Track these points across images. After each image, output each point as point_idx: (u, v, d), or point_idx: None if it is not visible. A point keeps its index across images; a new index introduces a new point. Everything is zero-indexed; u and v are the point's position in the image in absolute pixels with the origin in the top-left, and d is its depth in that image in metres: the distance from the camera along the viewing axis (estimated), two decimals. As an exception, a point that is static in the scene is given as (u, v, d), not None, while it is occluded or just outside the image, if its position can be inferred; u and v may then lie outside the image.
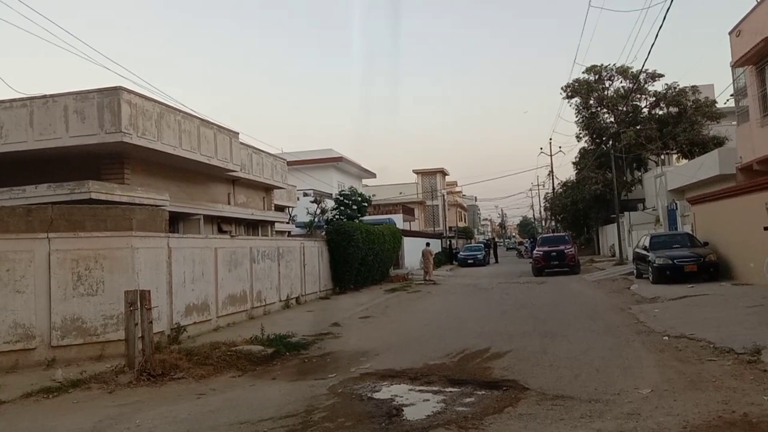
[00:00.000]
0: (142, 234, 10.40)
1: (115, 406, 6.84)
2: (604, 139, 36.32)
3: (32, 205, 10.34)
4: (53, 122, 12.88)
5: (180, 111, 14.94)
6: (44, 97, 13.09)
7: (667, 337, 9.23)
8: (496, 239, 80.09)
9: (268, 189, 22.92)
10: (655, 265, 17.61)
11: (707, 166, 21.41)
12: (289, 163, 25.71)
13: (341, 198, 26.48)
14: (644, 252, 19.15)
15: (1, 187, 12.53)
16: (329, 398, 6.71)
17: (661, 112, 35.07)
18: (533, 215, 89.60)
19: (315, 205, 25.02)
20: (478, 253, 42.90)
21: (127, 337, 8.23)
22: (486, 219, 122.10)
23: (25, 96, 13.27)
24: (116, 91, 12.66)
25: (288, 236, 23.82)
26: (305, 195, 28.55)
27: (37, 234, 9.49)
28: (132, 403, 6.93)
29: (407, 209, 47.62)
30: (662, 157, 34.30)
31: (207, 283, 12.42)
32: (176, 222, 16.06)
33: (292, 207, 27.36)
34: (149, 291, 8.50)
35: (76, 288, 9.54)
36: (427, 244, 29.69)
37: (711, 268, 16.84)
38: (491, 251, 47.21)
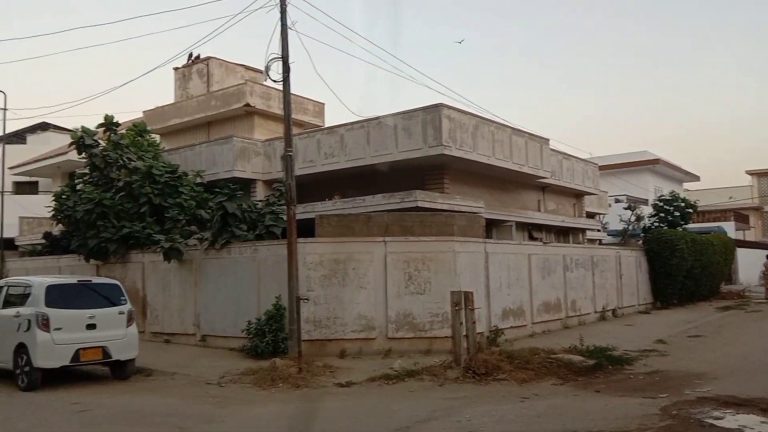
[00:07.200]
0: (462, 239, 11.04)
1: (446, 398, 7.34)
2: None
3: (371, 213, 11.79)
4: (384, 140, 14.47)
5: (493, 122, 15.45)
6: (377, 118, 14.80)
7: None
8: None
9: (578, 195, 22.27)
10: None
11: None
12: (600, 168, 24.55)
13: (660, 204, 24.28)
14: None
15: (345, 198, 14.54)
16: (663, 419, 6.18)
17: None
18: None
19: (629, 212, 23.42)
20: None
21: (454, 335, 8.77)
22: None
23: (362, 118, 15.20)
24: (437, 108, 13.65)
25: (599, 244, 22.76)
26: (617, 201, 26.96)
27: (375, 238, 10.77)
28: (460, 398, 7.35)
29: (740, 216, 41.47)
30: None
31: (521, 288, 12.57)
32: (490, 228, 16.58)
33: (603, 214, 26.08)
34: (472, 292, 8.94)
35: (407, 287, 10.55)
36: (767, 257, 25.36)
37: None
38: None
